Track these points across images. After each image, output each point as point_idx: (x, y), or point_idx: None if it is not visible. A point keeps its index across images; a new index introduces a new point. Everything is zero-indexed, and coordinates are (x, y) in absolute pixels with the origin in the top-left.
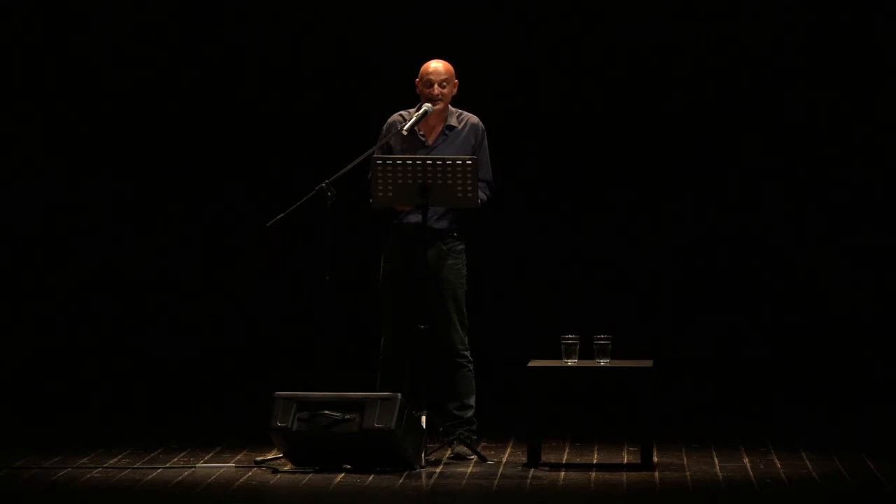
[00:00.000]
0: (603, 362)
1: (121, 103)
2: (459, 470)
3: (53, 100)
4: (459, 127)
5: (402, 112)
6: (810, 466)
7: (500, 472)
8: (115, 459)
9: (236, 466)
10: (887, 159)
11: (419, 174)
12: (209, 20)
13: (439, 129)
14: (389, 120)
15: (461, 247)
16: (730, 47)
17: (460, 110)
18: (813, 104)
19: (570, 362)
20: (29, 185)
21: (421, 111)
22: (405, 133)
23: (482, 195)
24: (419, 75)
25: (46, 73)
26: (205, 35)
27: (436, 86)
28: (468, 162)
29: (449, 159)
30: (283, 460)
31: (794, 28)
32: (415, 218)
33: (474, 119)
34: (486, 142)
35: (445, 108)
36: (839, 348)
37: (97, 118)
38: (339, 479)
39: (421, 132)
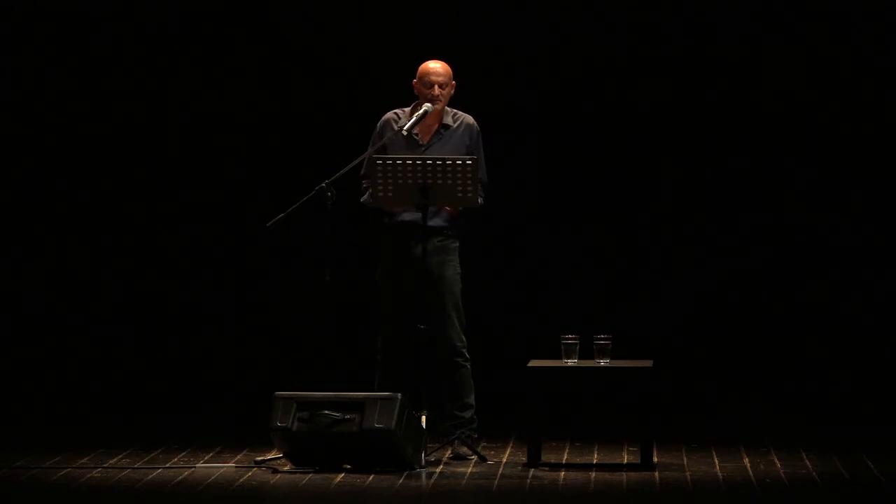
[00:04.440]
0: (603, 362)
1: (119, 102)
2: (459, 470)
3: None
4: (454, 126)
5: (396, 111)
6: (810, 466)
7: (500, 472)
8: (115, 459)
9: (236, 466)
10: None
11: (419, 174)
12: (209, 20)
13: (434, 128)
14: (383, 119)
15: (455, 244)
16: (734, 46)
17: (455, 110)
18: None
19: (570, 362)
20: (16, 181)
21: (421, 111)
22: (405, 133)
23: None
24: (417, 76)
25: (46, 70)
26: (204, 35)
27: (436, 87)
28: (468, 162)
29: (449, 159)
30: (283, 460)
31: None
32: (409, 216)
33: (469, 119)
34: (481, 143)
35: (443, 109)
36: (840, 348)
37: (96, 115)
38: (339, 479)
39: (416, 131)
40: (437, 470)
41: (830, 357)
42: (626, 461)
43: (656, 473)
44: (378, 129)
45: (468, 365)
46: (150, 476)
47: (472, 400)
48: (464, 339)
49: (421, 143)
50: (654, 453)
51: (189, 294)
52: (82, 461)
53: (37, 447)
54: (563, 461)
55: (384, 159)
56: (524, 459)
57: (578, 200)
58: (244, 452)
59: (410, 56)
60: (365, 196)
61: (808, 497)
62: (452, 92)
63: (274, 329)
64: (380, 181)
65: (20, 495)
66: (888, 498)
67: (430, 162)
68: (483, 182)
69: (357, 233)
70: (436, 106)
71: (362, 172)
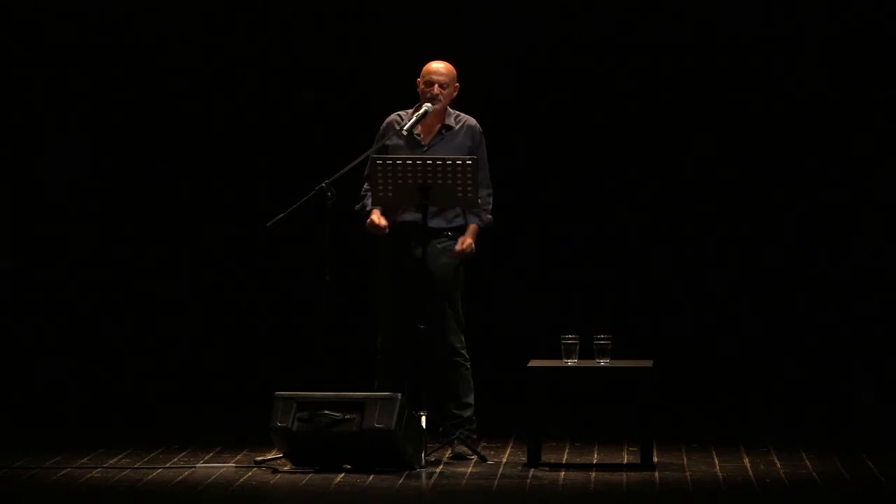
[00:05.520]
0: (603, 362)
1: (122, 103)
2: (459, 470)
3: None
4: (456, 128)
5: (399, 112)
6: (810, 466)
7: (500, 472)
8: (115, 459)
9: (236, 466)
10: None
11: (419, 174)
12: (209, 20)
13: (436, 128)
14: (387, 120)
15: (456, 245)
16: (735, 46)
17: (458, 112)
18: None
19: (570, 362)
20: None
21: (421, 111)
22: (405, 133)
23: (487, 215)
24: (421, 74)
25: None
26: (204, 35)
27: (436, 86)
28: (468, 162)
29: (449, 159)
30: (283, 460)
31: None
32: (410, 217)
33: (472, 121)
34: (484, 147)
35: (444, 109)
36: (839, 348)
37: (95, 117)
38: (339, 479)
39: (417, 132)
40: (437, 470)
41: (830, 357)
42: (626, 461)
43: (656, 473)
44: (381, 130)
45: (468, 365)
46: (150, 476)
47: (471, 399)
48: (463, 339)
49: (423, 143)
50: (654, 453)
51: (189, 294)
52: (82, 461)
53: (37, 447)
54: (563, 461)
55: (384, 159)
56: (524, 459)
57: (579, 200)
58: (244, 452)
59: (412, 56)
60: (359, 205)
61: (808, 497)
62: (455, 93)
63: (274, 329)
64: (380, 181)
65: (20, 495)
66: (888, 498)
67: (429, 162)
68: (485, 187)
69: (357, 233)
70: (435, 105)
71: (365, 176)
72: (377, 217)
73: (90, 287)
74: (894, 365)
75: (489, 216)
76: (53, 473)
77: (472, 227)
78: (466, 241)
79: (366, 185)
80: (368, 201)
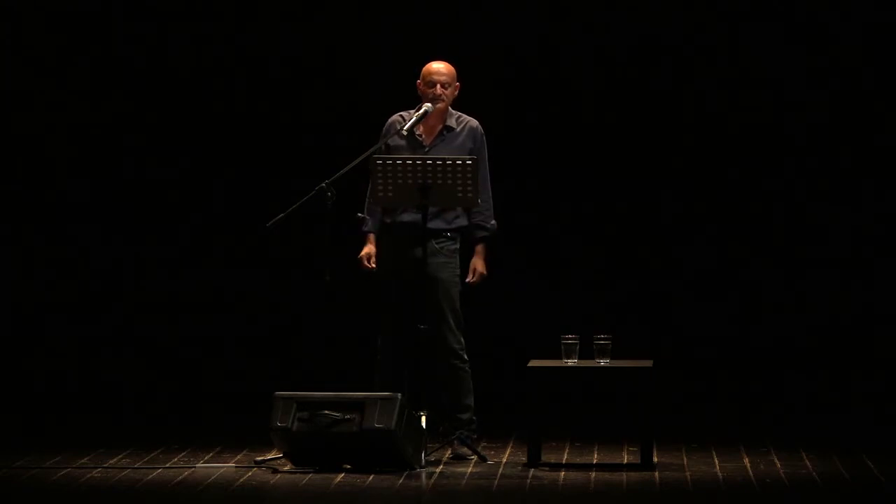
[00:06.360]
0: (603, 362)
1: (120, 102)
2: (459, 470)
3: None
4: (458, 129)
5: (401, 113)
6: (810, 466)
7: (500, 472)
8: (115, 459)
9: (236, 466)
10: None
11: (419, 174)
12: (211, 20)
13: (438, 129)
14: (389, 121)
15: (455, 246)
16: (741, 48)
17: (459, 113)
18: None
19: (570, 362)
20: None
21: (421, 111)
22: (405, 133)
23: (491, 222)
24: (421, 76)
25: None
26: (205, 35)
27: (438, 86)
28: (468, 162)
29: (449, 159)
30: (283, 460)
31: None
32: (409, 217)
33: (474, 122)
34: (485, 148)
35: (445, 110)
36: (838, 348)
37: (93, 117)
38: (339, 479)
39: (419, 132)
40: (437, 470)
41: (830, 357)
42: (626, 461)
43: (656, 473)
44: (384, 131)
45: (466, 367)
46: (150, 476)
47: (470, 401)
48: (462, 341)
49: (424, 143)
50: (654, 453)
51: (189, 294)
52: (82, 461)
53: (37, 447)
54: (563, 461)
55: (384, 159)
56: (524, 459)
57: (578, 200)
58: (244, 452)
59: (412, 56)
60: (361, 216)
61: (808, 497)
62: (456, 93)
63: (274, 329)
64: (380, 181)
65: (20, 495)
66: (888, 498)
67: (429, 162)
68: (486, 190)
69: (357, 234)
70: (438, 105)
71: (369, 196)
72: (365, 258)
73: (89, 287)
74: (894, 364)
75: (493, 221)
76: (53, 473)
77: (480, 248)
78: (477, 272)
79: (368, 199)
80: (369, 223)
